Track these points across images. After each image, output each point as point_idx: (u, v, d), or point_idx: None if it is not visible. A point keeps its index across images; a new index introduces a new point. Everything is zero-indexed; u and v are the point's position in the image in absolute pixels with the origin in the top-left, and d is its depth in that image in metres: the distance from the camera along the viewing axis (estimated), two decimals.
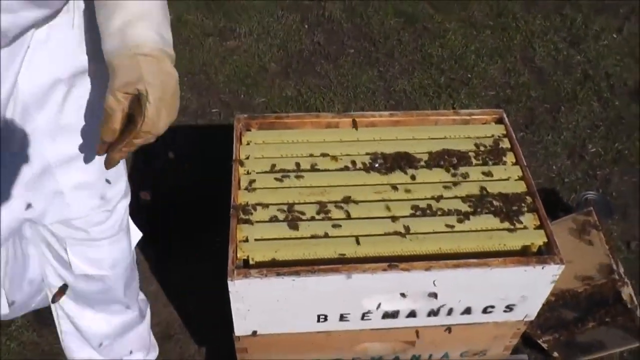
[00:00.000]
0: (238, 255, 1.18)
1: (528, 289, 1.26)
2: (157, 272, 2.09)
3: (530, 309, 1.33)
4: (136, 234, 1.49)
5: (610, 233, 2.20)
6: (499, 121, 1.49)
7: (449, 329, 1.35)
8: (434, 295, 1.23)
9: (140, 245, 1.57)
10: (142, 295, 1.68)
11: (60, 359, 1.75)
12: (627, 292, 1.51)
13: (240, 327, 1.29)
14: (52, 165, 1.11)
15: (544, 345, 1.72)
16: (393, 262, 1.17)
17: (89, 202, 1.21)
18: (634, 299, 1.55)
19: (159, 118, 0.93)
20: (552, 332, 1.66)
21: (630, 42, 3.05)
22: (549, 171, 2.47)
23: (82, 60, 1.06)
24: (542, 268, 1.20)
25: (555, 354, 1.78)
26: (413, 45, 2.95)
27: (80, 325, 1.50)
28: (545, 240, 1.24)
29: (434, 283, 1.20)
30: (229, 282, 1.15)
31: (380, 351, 1.43)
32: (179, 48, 2.47)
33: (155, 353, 1.79)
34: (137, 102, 0.93)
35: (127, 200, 1.33)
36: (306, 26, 3.00)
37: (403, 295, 1.23)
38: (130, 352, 1.65)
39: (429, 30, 3.04)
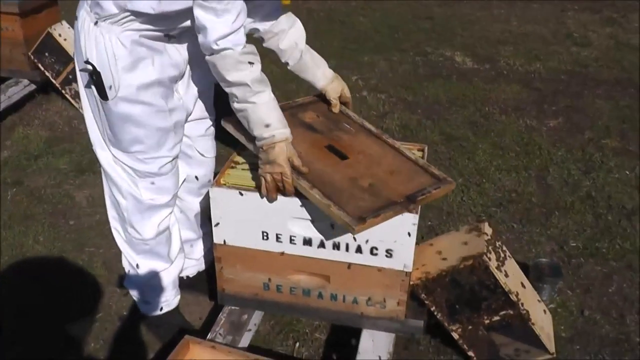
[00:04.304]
0: (221, 180, 1.98)
1: (398, 234, 1.88)
2: None
3: (405, 257, 1.93)
4: None
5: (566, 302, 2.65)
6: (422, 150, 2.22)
7: (349, 265, 1.99)
8: (332, 225, 1.91)
9: None
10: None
11: None
12: (501, 275, 2.04)
13: (216, 235, 2.04)
14: None
15: (455, 335, 2.21)
16: None
17: None
18: (511, 289, 2.07)
19: None
20: (457, 321, 2.17)
21: None
22: (527, 252, 2.98)
23: None
24: (402, 215, 1.85)
25: (471, 354, 2.25)
26: (445, 155, 3.70)
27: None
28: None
29: None
30: (210, 190, 1.95)
31: (308, 284, 2.08)
32: None
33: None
34: None
35: None
36: None
37: (311, 220, 1.92)
38: None
39: (463, 147, 3.79)
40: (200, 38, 1.73)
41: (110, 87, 1.86)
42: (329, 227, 1.92)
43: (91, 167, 3.55)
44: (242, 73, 1.74)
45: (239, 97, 1.79)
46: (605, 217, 3.20)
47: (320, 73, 2.13)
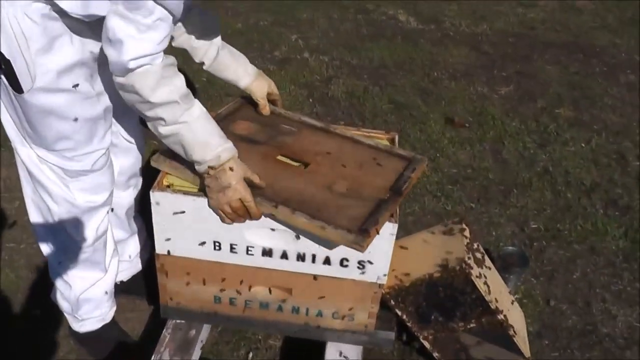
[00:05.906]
0: (164, 182, 1.65)
1: (372, 245, 1.62)
2: None
3: (379, 269, 1.69)
4: None
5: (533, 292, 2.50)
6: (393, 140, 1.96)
7: (315, 277, 1.73)
8: (297, 236, 1.63)
9: None
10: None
11: None
12: (481, 283, 1.84)
13: (159, 245, 1.71)
14: None
15: (426, 344, 2.01)
16: None
17: None
18: (490, 294, 1.87)
19: None
20: (429, 328, 1.97)
21: (596, 152, 3.43)
22: (487, 235, 2.81)
23: None
24: None
25: (437, 355, 2.05)
26: (395, 126, 3.46)
27: None
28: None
29: None
30: (151, 194, 1.61)
31: (266, 297, 1.80)
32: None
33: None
34: None
35: None
36: (310, 100, 3.59)
37: (272, 229, 1.63)
38: None
39: (414, 117, 3.56)
40: (112, 53, 1.41)
41: (25, 76, 1.50)
42: (292, 237, 1.65)
43: (5, 140, 3.07)
44: (168, 89, 1.45)
45: (168, 120, 1.48)
46: (564, 195, 3.08)
47: (242, 70, 1.87)
